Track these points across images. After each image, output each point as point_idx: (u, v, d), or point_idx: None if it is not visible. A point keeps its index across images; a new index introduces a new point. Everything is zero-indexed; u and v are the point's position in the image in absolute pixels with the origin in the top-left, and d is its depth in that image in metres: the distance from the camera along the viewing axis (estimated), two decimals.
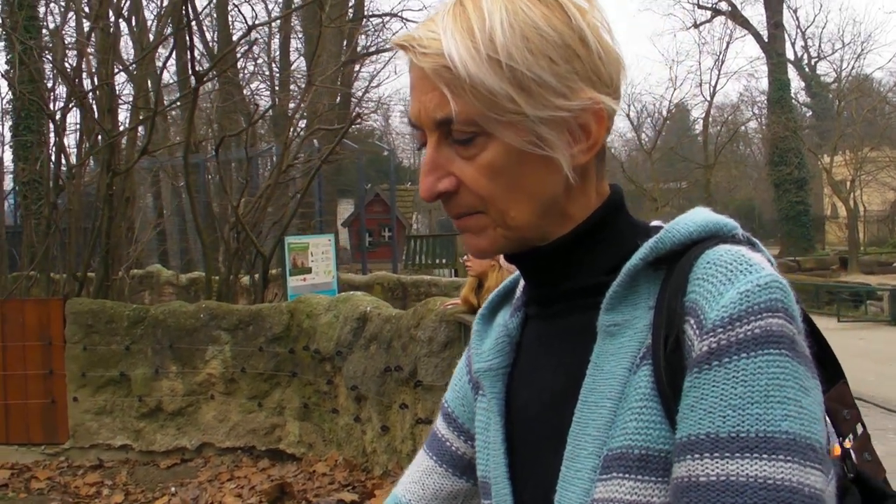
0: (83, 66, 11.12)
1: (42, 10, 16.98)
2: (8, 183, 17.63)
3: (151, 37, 16.82)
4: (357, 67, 29.01)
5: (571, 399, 1.16)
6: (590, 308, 1.18)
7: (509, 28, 1.09)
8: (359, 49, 27.78)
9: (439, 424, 1.52)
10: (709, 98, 44.26)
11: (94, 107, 10.68)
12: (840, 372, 1.22)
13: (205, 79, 11.09)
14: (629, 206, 1.27)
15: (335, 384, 8.58)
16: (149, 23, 19.77)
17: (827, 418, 1.15)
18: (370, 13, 30.77)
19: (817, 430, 1.00)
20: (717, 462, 0.99)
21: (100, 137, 10.70)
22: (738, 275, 1.04)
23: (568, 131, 1.14)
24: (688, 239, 1.12)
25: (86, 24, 13.05)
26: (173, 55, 18.43)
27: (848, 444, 1.22)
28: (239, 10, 17.90)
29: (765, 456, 0.97)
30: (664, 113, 46.48)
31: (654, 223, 1.24)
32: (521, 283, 1.37)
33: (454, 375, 1.54)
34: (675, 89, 61.29)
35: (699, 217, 1.15)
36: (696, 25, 46.43)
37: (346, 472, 8.14)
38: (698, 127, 49.25)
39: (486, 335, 1.41)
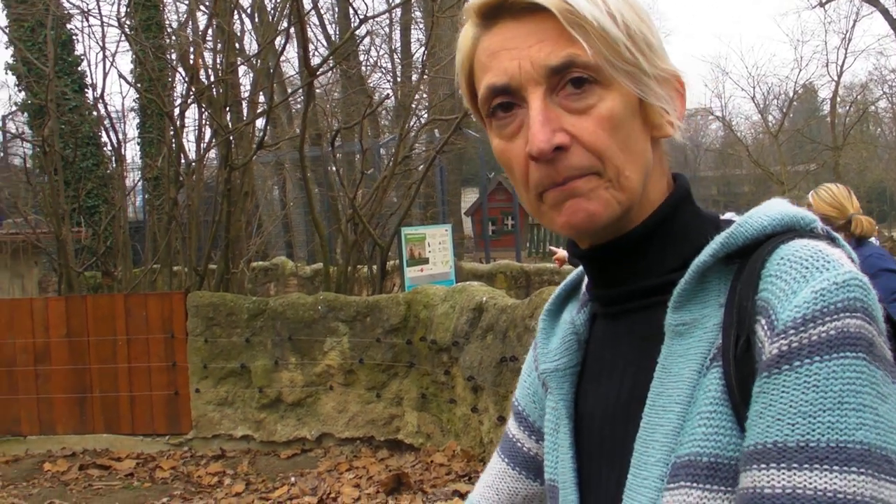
0: (200, 62, 11.30)
1: (162, 9, 17.39)
2: (133, 179, 18.20)
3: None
4: None
5: (639, 403, 1.10)
6: (656, 306, 1.11)
7: None
8: None
9: (511, 425, 1.47)
10: (836, 78, 43.23)
11: (212, 103, 10.85)
12: None
13: (319, 72, 11.15)
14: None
15: (452, 374, 8.56)
16: (270, 17, 20.09)
17: None
18: None
19: (894, 441, 0.91)
20: (783, 473, 0.91)
21: (217, 133, 10.88)
22: (814, 272, 0.96)
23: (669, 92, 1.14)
24: (761, 233, 1.05)
25: (202, 22, 13.31)
26: (289, 50, 18.66)
27: None
28: (351, 6, 17.93)
29: (836, 468, 0.89)
30: (790, 94, 45.57)
31: (727, 216, 1.18)
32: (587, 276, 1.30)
33: (523, 371, 1.48)
34: (800, 70, 59.87)
35: (774, 210, 1.08)
36: (821, 4, 45.32)
37: (463, 462, 8.11)
38: (826, 108, 48.10)
39: (552, 333, 1.33)
